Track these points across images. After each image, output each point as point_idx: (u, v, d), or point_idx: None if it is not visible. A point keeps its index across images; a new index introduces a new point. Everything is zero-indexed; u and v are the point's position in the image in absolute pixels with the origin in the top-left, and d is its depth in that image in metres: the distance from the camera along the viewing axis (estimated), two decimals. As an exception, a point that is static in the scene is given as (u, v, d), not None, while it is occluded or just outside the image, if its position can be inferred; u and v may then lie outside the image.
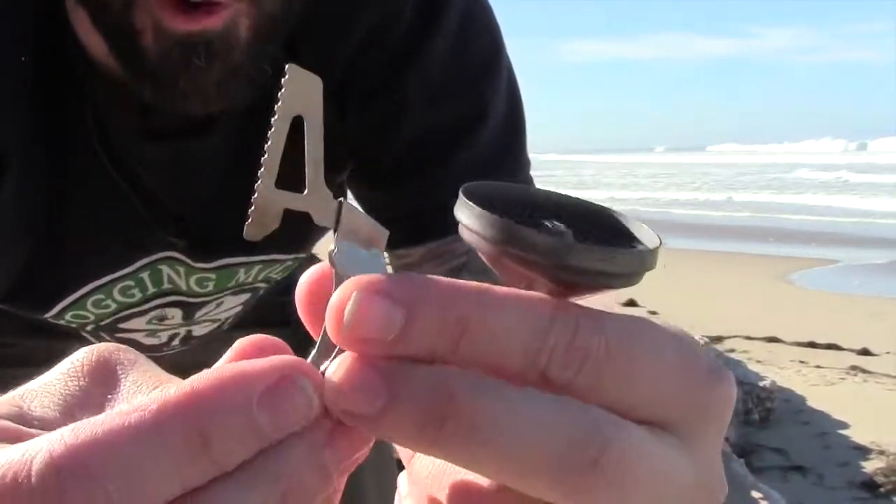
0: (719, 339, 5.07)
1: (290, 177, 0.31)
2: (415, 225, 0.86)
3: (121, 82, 0.75)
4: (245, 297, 0.98)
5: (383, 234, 0.31)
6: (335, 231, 0.30)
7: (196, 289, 0.92)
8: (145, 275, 0.89)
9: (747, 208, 15.17)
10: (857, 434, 3.67)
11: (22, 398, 0.31)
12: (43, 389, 0.31)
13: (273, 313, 1.11)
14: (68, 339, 1.00)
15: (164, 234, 0.86)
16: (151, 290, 0.91)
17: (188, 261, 0.89)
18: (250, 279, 0.94)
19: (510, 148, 0.88)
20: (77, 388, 0.31)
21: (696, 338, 4.23)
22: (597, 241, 0.30)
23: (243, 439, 0.26)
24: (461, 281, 0.28)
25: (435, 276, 0.28)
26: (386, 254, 0.89)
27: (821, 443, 3.60)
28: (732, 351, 4.86)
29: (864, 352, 4.93)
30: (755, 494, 2.82)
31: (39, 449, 0.25)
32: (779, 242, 10.36)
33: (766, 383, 3.95)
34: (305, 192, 0.31)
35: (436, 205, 0.84)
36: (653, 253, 0.31)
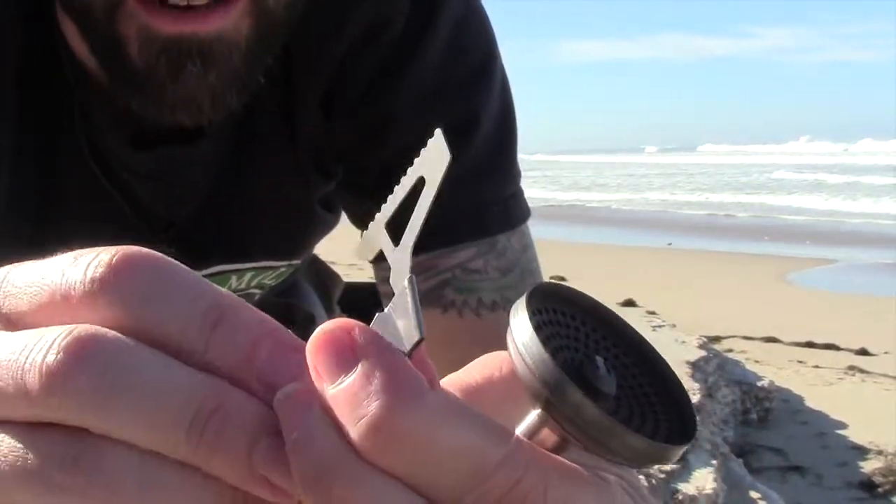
0: (717, 338, 5.07)
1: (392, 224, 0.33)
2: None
3: (109, 89, 0.73)
4: None
5: (416, 332, 0.30)
6: (387, 298, 0.32)
7: None
8: None
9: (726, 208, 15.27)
10: (856, 434, 3.67)
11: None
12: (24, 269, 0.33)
13: (275, 314, 1.10)
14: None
15: (154, 241, 0.85)
16: None
17: None
18: (243, 285, 0.93)
19: (501, 158, 0.86)
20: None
21: (694, 338, 4.23)
22: (635, 405, 0.30)
23: (235, 353, 0.29)
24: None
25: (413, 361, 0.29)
26: (371, 265, 0.88)
27: (819, 443, 3.60)
28: (731, 351, 4.87)
29: (863, 352, 4.94)
30: (753, 494, 2.81)
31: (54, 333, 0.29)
32: (774, 242, 10.37)
33: (764, 383, 3.95)
34: (396, 248, 0.32)
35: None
36: (680, 450, 0.30)
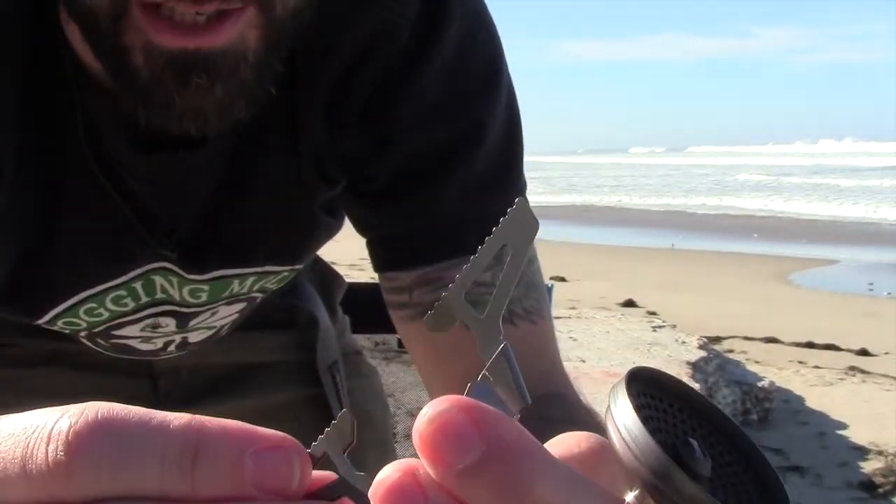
0: (718, 339, 5.08)
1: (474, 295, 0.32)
2: (407, 248, 0.84)
3: (113, 93, 0.73)
4: (240, 306, 0.97)
5: (520, 401, 0.30)
6: (485, 366, 0.31)
7: (189, 299, 0.91)
8: (138, 285, 0.88)
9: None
10: (856, 434, 3.67)
11: None
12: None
13: (278, 315, 1.10)
14: (68, 341, 1.00)
15: (156, 246, 0.85)
16: (144, 299, 0.90)
17: (181, 272, 0.88)
18: (245, 290, 0.93)
19: (507, 168, 0.85)
20: None
21: (695, 338, 4.24)
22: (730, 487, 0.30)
23: (225, 473, 0.29)
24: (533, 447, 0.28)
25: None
26: (377, 276, 0.88)
27: (819, 443, 3.61)
28: (731, 351, 4.87)
29: (863, 352, 4.94)
30: (754, 495, 2.81)
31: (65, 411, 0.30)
32: (775, 242, 10.37)
33: (764, 383, 3.95)
34: (483, 316, 0.32)
35: (429, 229, 0.83)
36: None
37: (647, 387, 0.31)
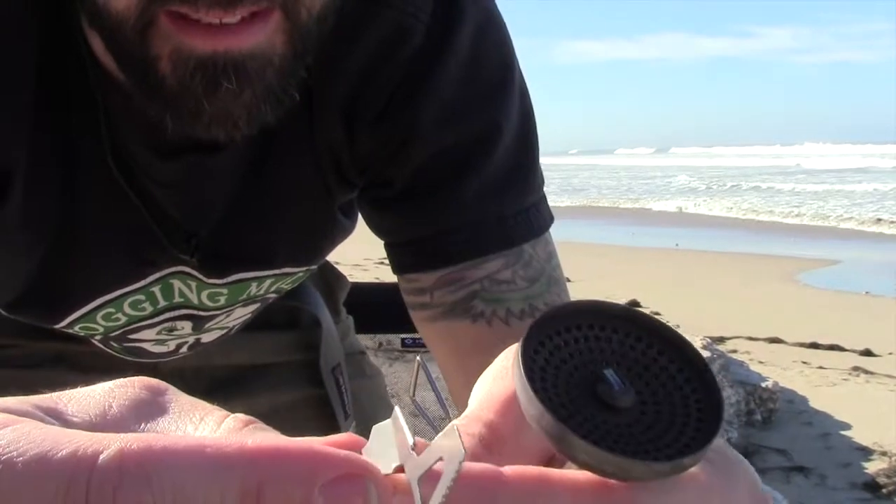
0: (721, 339, 5.07)
1: None
2: (427, 250, 0.84)
3: (134, 100, 0.72)
4: (254, 306, 0.97)
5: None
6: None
7: (207, 303, 0.91)
8: (156, 289, 0.88)
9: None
10: (860, 435, 3.67)
11: (59, 397, 0.31)
12: (84, 394, 0.31)
13: (281, 316, 1.10)
14: (73, 342, 1.00)
15: (175, 251, 0.84)
16: (162, 303, 0.90)
17: (200, 276, 0.88)
18: (262, 291, 0.93)
19: (523, 167, 0.86)
20: (120, 401, 0.30)
21: (698, 338, 4.23)
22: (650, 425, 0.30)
23: None
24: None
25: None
26: (396, 277, 0.88)
27: (823, 444, 3.60)
28: (735, 351, 4.86)
29: (867, 353, 4.93)
30: (757, 495, 2.81)
31: (112, 440, 0.25)
32: (777, 242, 10.36)
33: (768, 384, 3.94)
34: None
35: (448, 231, 0.83)
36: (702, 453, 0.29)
37: (558, 324, 0.31)
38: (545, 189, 0.90)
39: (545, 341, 0.30)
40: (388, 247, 0.89)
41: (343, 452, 0.26)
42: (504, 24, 0.86)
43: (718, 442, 0.30)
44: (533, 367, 0.29)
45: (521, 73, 0.87)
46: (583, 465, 0.28)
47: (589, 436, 0.28)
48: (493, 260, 0.83)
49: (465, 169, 0.83)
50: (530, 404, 0.29)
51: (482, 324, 0.83)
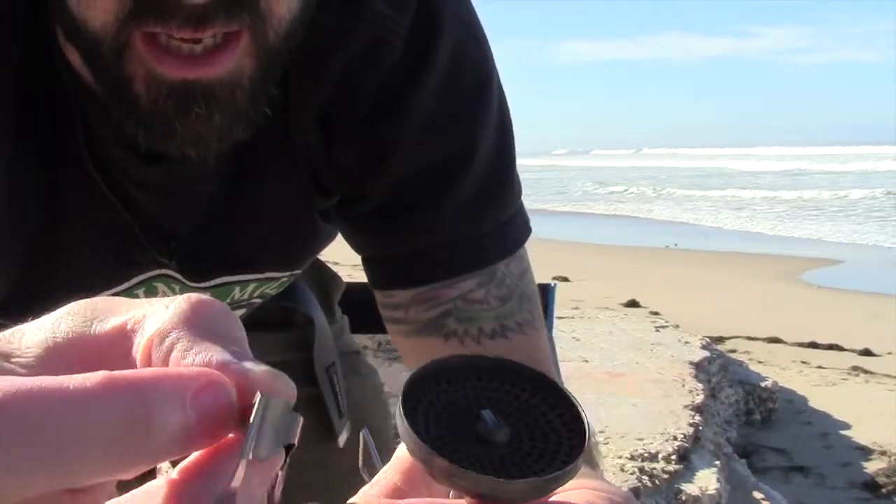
0: (721, 339, 5.07)
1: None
2: (402, 269, 0.85)
3: (115, 116, 0.73)
4: (240, 312, 0.97)
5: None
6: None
7: None
8: (140, 291, 0.88)
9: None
10: (859, 434, 3.67)
11: (12, 334, 0.32)
12: (34, 327, 0.32)
13: (275, 316, 1.10)
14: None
15: (157, 254, 0.85)
16: None
17: (183, 279, 0.88)
18: (245, 296, 0.93)
19: (499, 182, 0.86)
20: (68, 328, 0.32)
21: (698, 338, 4.23)
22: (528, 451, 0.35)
23: (177, 428, 0.28)
24: None
25: None
26: (375, 292, 0.88)
27: (822, 443, 3.60)
28: (734, 351, 4.87)
29: (866, 352, 4.94)
30: (757, 495, 2.81)
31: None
32: (776, 242, 10.36)
33: (767, 384, 3.94)
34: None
35: (424, 250, 0.84)
36: (570, 471, 0.35)
37: (437, 381, 0.36)
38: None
39: (427, 392, 0.35)
40: (364, 262, 0.89)
41: (196, 368, 0.30)
42: (483, 34, 0.86)
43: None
44: (416, 414, 0.34)
45: (499, 84, 0.87)
46: (465, 492, 0.33)
47: (463, 462, 0.33)
48: (467, 279, 0.84)
49: (442, 186, 0.83)
50: (408, 438, 0.34)
51: (455, 342, 0.84)
